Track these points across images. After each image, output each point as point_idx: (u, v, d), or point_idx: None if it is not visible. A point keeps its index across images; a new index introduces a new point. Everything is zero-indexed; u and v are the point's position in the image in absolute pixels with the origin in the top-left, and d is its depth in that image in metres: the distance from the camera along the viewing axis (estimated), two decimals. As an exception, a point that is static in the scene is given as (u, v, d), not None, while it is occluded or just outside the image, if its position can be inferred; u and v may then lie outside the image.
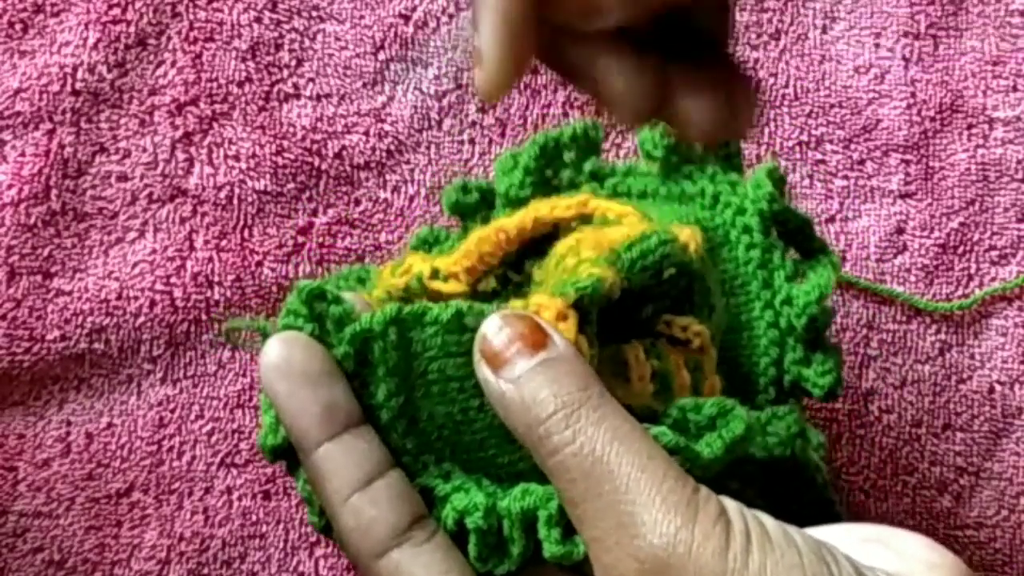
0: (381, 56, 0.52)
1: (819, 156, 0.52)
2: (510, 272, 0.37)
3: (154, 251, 0.50)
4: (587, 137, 0.41)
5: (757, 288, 0.39)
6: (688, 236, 0.37)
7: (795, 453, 0.36)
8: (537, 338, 0.32)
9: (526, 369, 0.32)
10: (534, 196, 0.40)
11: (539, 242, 0.38)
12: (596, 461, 0.30)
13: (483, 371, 0.33)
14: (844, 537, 0.32)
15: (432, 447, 0.34)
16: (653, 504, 0.29)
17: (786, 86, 0.53)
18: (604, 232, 0.37)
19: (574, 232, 0.37)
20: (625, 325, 0.37)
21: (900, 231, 0.52)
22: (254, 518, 0.50)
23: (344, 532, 0.33)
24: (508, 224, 0.38)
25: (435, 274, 0.37)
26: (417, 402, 0.34)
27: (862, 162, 0.52)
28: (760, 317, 0.39)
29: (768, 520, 0.30)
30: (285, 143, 0.51)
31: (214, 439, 0.50)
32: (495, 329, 0.33)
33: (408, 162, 0.51)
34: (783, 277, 0.39)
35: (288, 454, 0.35)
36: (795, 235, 0.40)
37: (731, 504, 0.30)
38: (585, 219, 0.39)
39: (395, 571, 0.33)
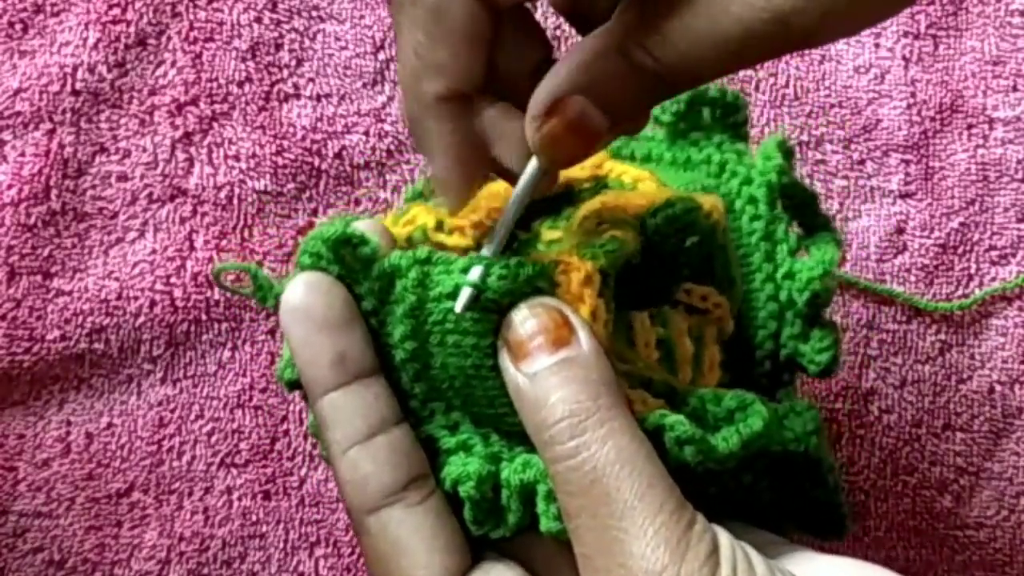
0: (381, 56, 0.52)
1: (819, 156, 0.52)
2: (517, 230, 0.36)
3: (154, 251, 0.50)
4: None
5: (759, 260, 0.38)
6: (711, 205, 0.36)
7: (808, 450, 0.35)
8: (561, 334, 0.32)
9: (544, 366, 0.31)
10: None
11: (550, 201, 0.37)
12: (595, 480, 0.30)
13: (504, 359, 0.32)
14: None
15: (442, 395, 0.34)
16: (644, 535, 0.29)
17: (786, 86, 0.52)
18: (628, 197, 0.36)
19: (599, 195, 0.37)
20: (644, 292, 0.36)
21: (900, 231, 0.52)
22: (254, 518, 0.50)
23: (340, 482, 0.33)
24: None
25: (440, 226, 0.36)
26: (430, 348, 0.33)
27: (862, 162, 0.52)
28: (760, 290, 0.38)
29: (759, 564, 0.30)
30: (285, 143, 0.51)
31: (214, 439, 0.50)
32: (521, 318, 0.32)
33: (408, 162, 0.51)
34: (786, 251, 0.38)
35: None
36: (800, 209, 0.40)
37: (725, 541, 0.30)
38: (599, 180, 0.38)
39: (383, 529, 0.33)
